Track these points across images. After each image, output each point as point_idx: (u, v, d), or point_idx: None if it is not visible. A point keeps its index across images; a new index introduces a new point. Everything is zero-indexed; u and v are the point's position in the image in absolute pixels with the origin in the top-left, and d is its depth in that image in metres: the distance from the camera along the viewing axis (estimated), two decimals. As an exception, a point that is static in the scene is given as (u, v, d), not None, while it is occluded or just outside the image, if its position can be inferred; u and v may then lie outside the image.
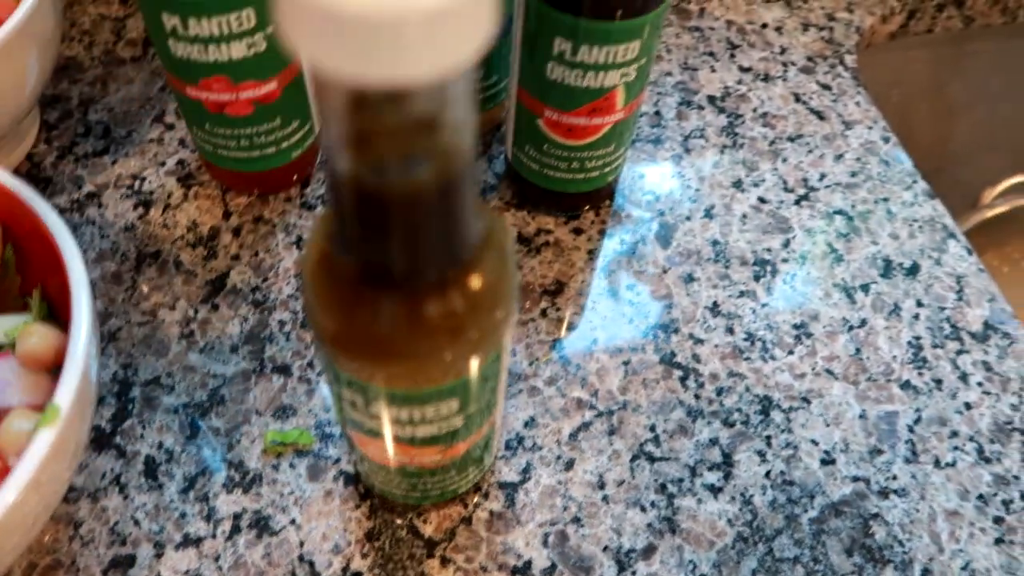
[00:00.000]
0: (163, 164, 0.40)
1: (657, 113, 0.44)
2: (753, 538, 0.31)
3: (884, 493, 0.32)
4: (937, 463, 0.33)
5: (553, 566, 0.30)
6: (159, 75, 0.43)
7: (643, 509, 0.31)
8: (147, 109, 0.42)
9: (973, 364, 0.36)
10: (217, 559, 0.29)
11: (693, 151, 0.43)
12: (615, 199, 0.40)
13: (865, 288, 0.38)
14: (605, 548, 0.30)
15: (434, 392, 0.22)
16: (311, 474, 0.32)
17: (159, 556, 0.29)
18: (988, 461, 0.33)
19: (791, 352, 0.36)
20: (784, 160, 0.43)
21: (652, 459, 0.33)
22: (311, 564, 0.29)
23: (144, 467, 0.31)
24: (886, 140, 0.44)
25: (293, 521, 0.30)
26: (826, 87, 0.46)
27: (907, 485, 0.32)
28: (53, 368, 0.27)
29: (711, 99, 0.45)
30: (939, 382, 0.35)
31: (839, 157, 0.43)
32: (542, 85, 0.33)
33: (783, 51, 0.48)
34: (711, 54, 0.47)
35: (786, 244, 0.39)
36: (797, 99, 0.45)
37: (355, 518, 0.31)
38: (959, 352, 0.36)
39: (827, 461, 0.33)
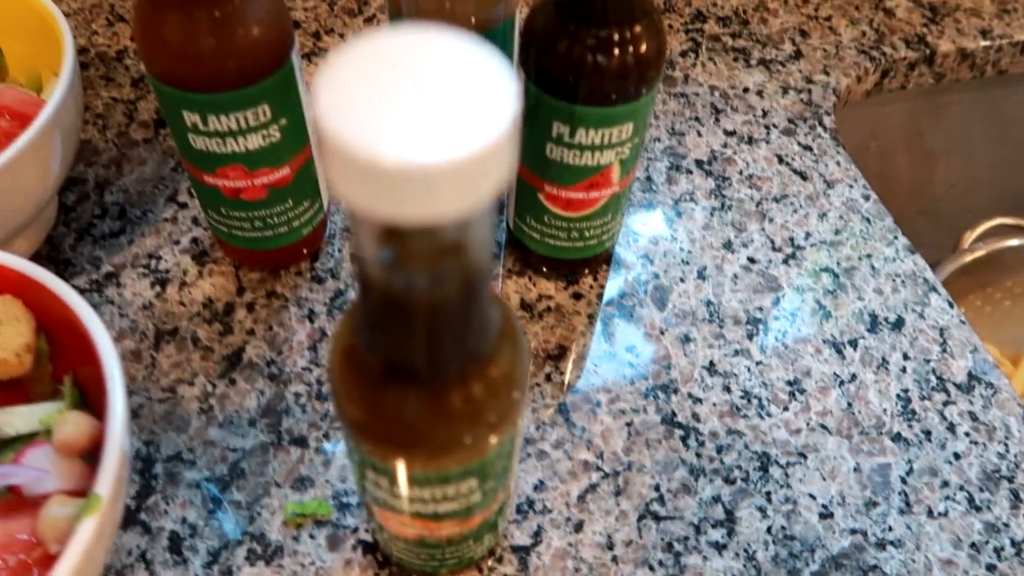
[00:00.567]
0: (177, 242, 0.42)
1: (648, 178, 0.46)
2: (758, 593, 0.32)
3: (881, 544, 0.33)
4: (930, 513, 0.34)
5: (567, 628, 0.31)
6: (171, 155, 0.45)
7: (651, 568, 0.32)
8: (161, 189, 0.44)
9: (960, 415, 0.37)
10: (243, 632, 0.30)
11: (684, 214, 0.45)
12: (612, 264, 0.42)
13: (853, 343, 0.40)
14: (617, 608, 0.31)
15: (455, 473, 0.24)
16: (331, 544, 0.33)
17: (186, 631, 0.30)
18: (979, 509, 0.35)
19: (786, 408, 0.37)
20: (771, 220, 0.45)
21: (658, 518, 0.34)
22: (334, 634, 0.30)
23: (169, 543, 0.32)
24: (866, 198, 0.46)
25: (315, 592, 0.31)
26: (807, 148, 0.48)
27: (903, 536, 0.34)
28: (87, 453, 0.28)
29: (699, 163, 0.47)
30: (928, 433, 0.37)
31: (823, 216, 0.45)
32: (542, 163, 0.35)
33: (765, 114, 0.50)
34: (697, 119, 0.49)
35: (776, 302, 0.41)
36: (780, 160, 0.48)
37: (375, 586, 0.32)
38: (946, 403, 0.38)
39: (825, 515, 0.34)
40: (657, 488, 0.35)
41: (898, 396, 0.38)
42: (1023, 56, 0.59)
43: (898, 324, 0.41)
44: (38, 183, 0.35)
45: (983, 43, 0.56)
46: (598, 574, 0.32)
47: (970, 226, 0.71)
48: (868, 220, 0.45)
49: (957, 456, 0.36)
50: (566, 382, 0.38)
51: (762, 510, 0.34)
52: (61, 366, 0.31)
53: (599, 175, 0.35)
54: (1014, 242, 0.62)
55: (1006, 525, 0.34)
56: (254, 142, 0.34)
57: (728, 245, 0.43)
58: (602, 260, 0.42)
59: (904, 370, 0.39)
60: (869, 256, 0.43)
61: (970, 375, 0.39)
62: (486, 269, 0.19)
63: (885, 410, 0.37)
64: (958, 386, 0.38)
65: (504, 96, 0.15)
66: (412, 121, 0.14)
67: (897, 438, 0.37)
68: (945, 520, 0.34)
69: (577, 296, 0.41)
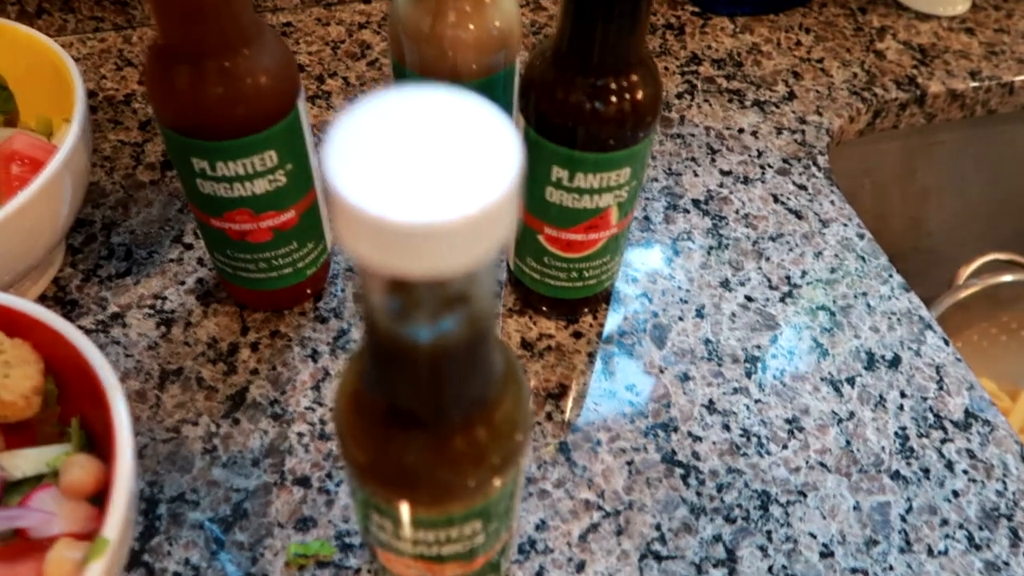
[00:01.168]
0: (183, 283, 0.42)
1: (647, 218, 0.47)
2: (760, 634, 0.32)
3: (882, 584, 0.34)
4: (930, 552, 0.35)
5: (570, 670, 0.31)
6: (177, 197, 0.46)
7: (653, 609, 0.33)
8: (167, 230, 0.44)
9: (958, 452, 0.38)
10: (245, 675, 0.30)
11: (682, 253, 0.45)
12: (612, 302, 0.43)
13: (851, 381, 0.40)
14: (619, 649, 0.31)
15: (459, 516, 0.24)
16: (333, 585, 0.33)
17: (189, 674, 0.30)
18: (979, 548, 0.35)
19: (785, 447, 0.38)
20: (767, 259, 0.45)
21: (659, 558, 0.34)
22: (336, 677, 0.30)
23: (172, 584, 0.33)
24: (861, 236, 0.47)
25: (318, 634, 0.31)
26: (802, 187, 0.49)
27: (904, 575, 0.34)
28: (94, 496, 0.28)
29: (695, 202, 0.48)
30: (927, 471, 0.37)
31: (818, 254, 0.46)
32: (542, 206, 0.36)
33: (760, 154, 0.51)
34: (693, 159, 0.50)
35: (774, 340, 0.42)
36: (776, 199, 0.48)
37: (377, 628, 0.32)
38: (943, 441, 0.38)
39: (826, 554, 0.34)
40: (658, 527, 0.35)
41: (896, 434, 0.38)
42: (1012, 96, 0.60)
43: (895, 362, 0.41)
44: (48, 226, 0.36)
45: (972, 84, 0.58)
46: (600, 615, 0.32)
47: (964, 262, 0.72)
48: (863, 258, 0.46)
49: (956, 494, 0.36)
50: (567, 420, 0.38)
51: (763, 549, 0.34)
52: (68, 408, 0.31)
53: (598, 217, 0.36)
54: (1008, 277, 0.62)
55: (1006, 564, 0.34)
56: (260, 187, 0.35)
57: (726, 283, 0.44)
58: (602, 299, 0.42)
59: (902, 408, 0.39)
60: (865, 294, 0.44)
61: (967, 412, 0.39)
62: (491, 317, 0.19)
63: (884, 448, 0.38)
64: (955, 424, 0.39)
65: (508, 154, 0.15)
66: (419, 179, 0.15)
67: (896, 476, 0.37)
68: (945, 559, 0.34)
69: (577, 335, 0.41)
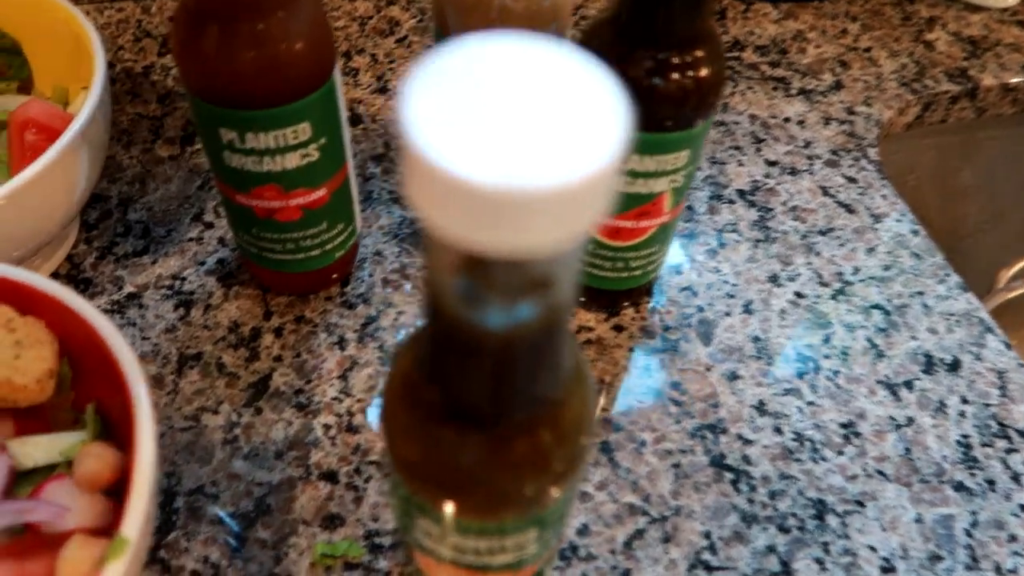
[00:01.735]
0: (203, 263, 0.40)
1: (690, 208, 0.45)
2: (819, 653, 0.30)
3: (948, 602, 0.31)
4: (998, 570, 0.32)
5: None
6: (197, 173, 0.44)
7: (704, 623, 0.30)
8: (186, 208, 0.42)
9: (1024, 463, 0.35)
10: None
11: (727, 245, 0.43)
12: (654, 295, 0.40)
13: (909, 385, 0.38)
14: (668, 667, 0.29)
15: (513, 525, 0.22)
16: (361, 589, 0.31)
17: None
18: (1050, 566, 0.32)
19: (841, 452, 0.35)
20: (817, 254, 0.43)
21: (710, 568, 0.32)
22: None
23: (189, 584, 0.30)
24: (915, 233, 0.44)
25: (345, 641, 0.29)
26: (852, 180, 0.47)
27: (971, 593, 0.32)
28: (110, 488, 0.26)
29: (741, 193, 0.46)
30: (992, 483, 0.35)
31: (871, 250, 0.43)
32: (589, 190, 0.34)
33: (807, 144, 0.49)
34: (738, 148, 0.48)
35: (826, 340, 0.39)
36: (825, 192, 0.46)
37: (409, 637, 0.29)
38: (1008, 451, 0.36)
39: (887, 569, 0.32)
40: (708, 535, 0.33)
41: (958, 442, 0.36)
42: (1066, 92, 0.57)
43: (954, 366, 0.39)
44: (63, 200, 0.34)
45: (1026, 78, 0.55)
46: (647, 628, 0.30)
47: (1004, 265, 0.69)
48: (918, 256, 0.43)
49: None
50: (609, 419, 0.36)
51: (820, 562, 0.32)
52: (83, 392, 0.29)
53: (650, 204, 0.34)
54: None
55: (1079, 584, 0.32)
56: (292, 161, 0.32)
57: (774, 278, 0.42)
58: (643, 291, 0.40)
59: (963, 415, 0.37)
60: (921, 293, 0.42)
61: (1032, 421, 0.37)
62: (570, 307, 0.17)
63: (945, 457, 0.35)
64: (1021, 433, 0.36)
65: (614, 118, 0.13)
66: (512, 140, 0.13)
67: (959, 487, 0.35)
68: (1014, 577, 0.32)
69: (618, 328, 0.39)
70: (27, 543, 0.25)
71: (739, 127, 0.49)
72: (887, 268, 0.43)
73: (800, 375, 0.38)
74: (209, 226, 0.42)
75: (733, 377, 0.38)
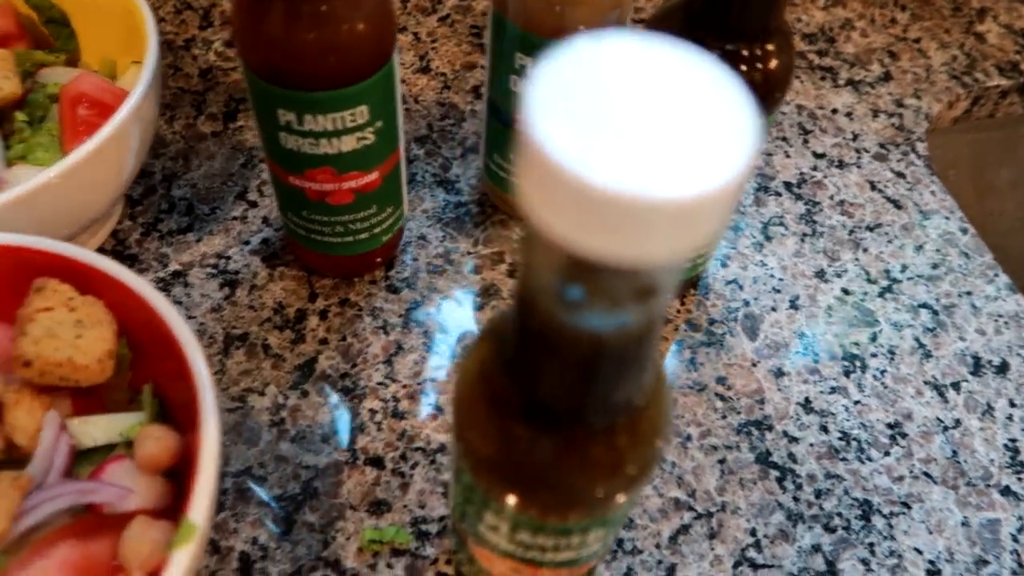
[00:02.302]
0: (247, 243, 0.40)
1: (736, 199, 0.44)
2: (865, 654, 0.30)
3: (995, 608, 0.31)
4: (1046, 576, 0.32)
5: None
6: (240, 151, 0.44)
7: (750, 621, 0.30)
8: (229, 186, 0.42)
9: (1073, 470, 0.35)
10: (317, 667, 0.29)
11: (774, 239, 0.42)
12: (699, 288, 0.40)
13: (956, 386, 0.38)
14: (714, 663, 0.29)
15: (580, 524, 0.22)
16: (409, 574, 0.31)
17: (257, 662, 0.29)
18: (1097, 575, 0.32)
19: (887, 453, 0.35)
20: (865, 250, 0.42)
21: (755, 566, 0.32)
22: (414, 674, 0.29)
23: (239, 564, 0.31)
24: (964, 231, 0.44)
25: (393, 627, 0.29)
26: (900, 175, 0.46)
27: (1017, 599, 0.32)
28: (168, 469, 0.26)
29: (787, 185, 0.45)
30: (1040, 488, 0.35)
31: (919, 248, 0.43)
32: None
33: (855, 137, 0.48)
34: (784, 139, 0.47)
35: (873, 338, 0.39)
36: (873, 187, 0.45)
37: (457, 625, 0.30)
38: (1057, 456, 0.36)
39: (933, 572, 0.32)
40: (753, 532, 0.33)
41: (1005, 446, 0.36)
42: (1118, 89, 0.56)
43: (1003, 368, 0.38)
44: (115, 176, 0.34)
45: (1078, 74, 0.54)
46: (694, 624, 0.30)
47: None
48: (966, 255, 0.43)
49: (1071, 515, 0.34)
50: (654, 413, 0.36)
51: (865, 563, 0.32)
52: (139, 373, 0.29)
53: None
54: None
55: None
56: (348, 144, 0.32)
57: (821, 274, 0.41)
58: (689, 284, 0.40)
59: (1011, 418, 0.37)
60: (969, 293, 0.41)
61: (1081, 427, 0.37)
62: (664, 314, 0.17)
63: (992, 460, 0.35)
64: (1069, 438, 0.36)
65: (743, 131, 0.13)
66: (635, 146, 0.12)
67: (1006, 492, 0.34)
68: (1061, 584, 0.32)
69: (664, 320, 0.39)
70: (89, 523, 0.25)
71: (786, 117, 0.49)
72: (935, 266, 0.42)
73: (847, 373, 0.38)
74: (253, 205, 0.41)
75: (779, 373, 0.37)
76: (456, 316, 0.38)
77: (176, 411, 0.28)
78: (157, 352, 0.27)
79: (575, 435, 0.19)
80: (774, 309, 0.40)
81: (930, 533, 0.33)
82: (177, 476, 0.27)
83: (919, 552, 0.33)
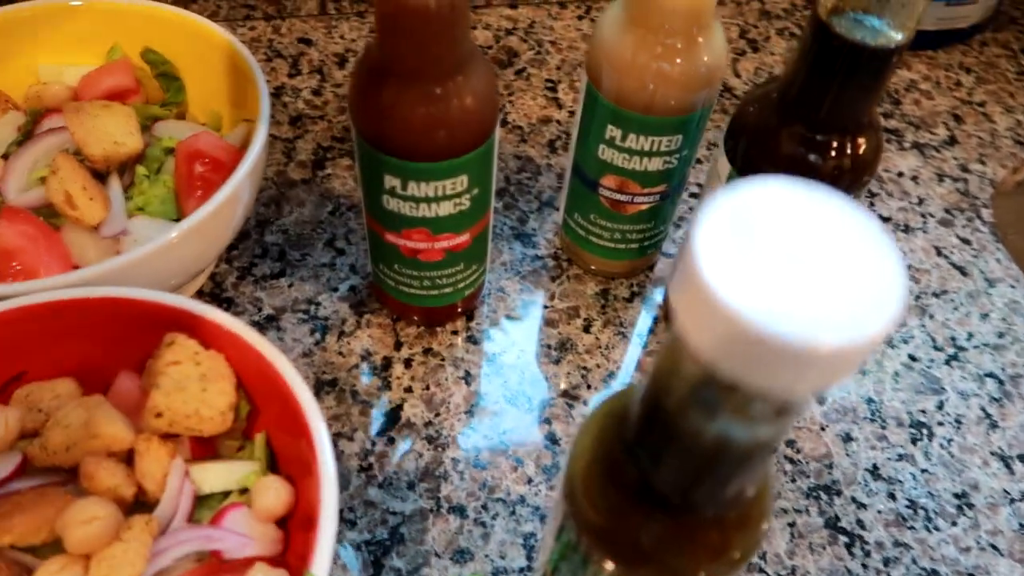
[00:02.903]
0: (336, 290, 0.42)
1: (803, 261, 0.45)
2: None
3: None
4: (1114, 656, 0.33)
5: None
6: (328, 198, 0.46)
7: None
8: (319, 233, 0.44)
9: None
10: None
11: (841, 302, 0.43)
12: (769, 349, 0.41)
13: (1022, 458, 0.38)
14: None
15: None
16: (491, 624, 0.32)
17: None
18: None
19: (954, 523, 0.36)
20: (931, 316, 0.43)
21: (825, 631, 0.33)
22: None
23: (331, 605, 0.32)
24: (1030, 300, 0.44)
25: (477, 674, 0.31)
26: (966, 241, 0.47)
27: None
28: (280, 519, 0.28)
29: (854, 248, 0.46)
30: (1107, 566, 0.35)
31: (985, 316, 0.44)
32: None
33: (921, 202, 0.49)
34: (851, 201, 0.48)
35: (940, 406, 0.40)
36: (939, 252, 0.46)
37: (537, 675, 0.31)
38: (1125, 534, 0.36)
39: (1001, 646, 0.33)
40: (823, 597, 0.34)
41: (1072, 521, 0.36)
42: None
43: (1069, 442, 0.39)
44: (227, 231, 0.36)
45: None
46: None
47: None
48: (1032, 325, 0.43)
49: None
50: (726, 473, 0.37)
51: (933, 633, 0.33)
52: (252, 423, 0.31)
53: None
54: None
55: None
56: (445, 209, 0.34)
57: (888, 340, 0.42)
58: (759, 345, 0.41)
59: (1078, 493, 0.37)
60: (1035, 364, 0.42)
61: None
62: (791, 422, 0.18)
63: (1059, 535, 0.36)
64: None
65: (893, 287, 0.14)
66: (791, 288, 0.14)
67: (1074, 568, 0.35)
68: None
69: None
70: (211, 568, 0.27)
71: (852, 179, 0.50)
72: (1001, 335, 0.43)
73: (913, 441, 0.39)
74: (341, 252, 0.43)
75: (847, 439, 0.38)
76: (533, 370, 0.40)
77: (286, 461, 0.30)
78: (270, 403, 0.29)
79: (687, 521, 0.21)
80: (842, 373, 0.41)
81: (997, 606, 0.34)
82: (285, 523, 0.29)
83: (986, 625, 0.33)
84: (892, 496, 0.37)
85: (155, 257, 0.32)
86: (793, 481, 0.37)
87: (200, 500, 0.29)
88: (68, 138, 0.37)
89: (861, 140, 0.30)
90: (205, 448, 0.30)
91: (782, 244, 0.15)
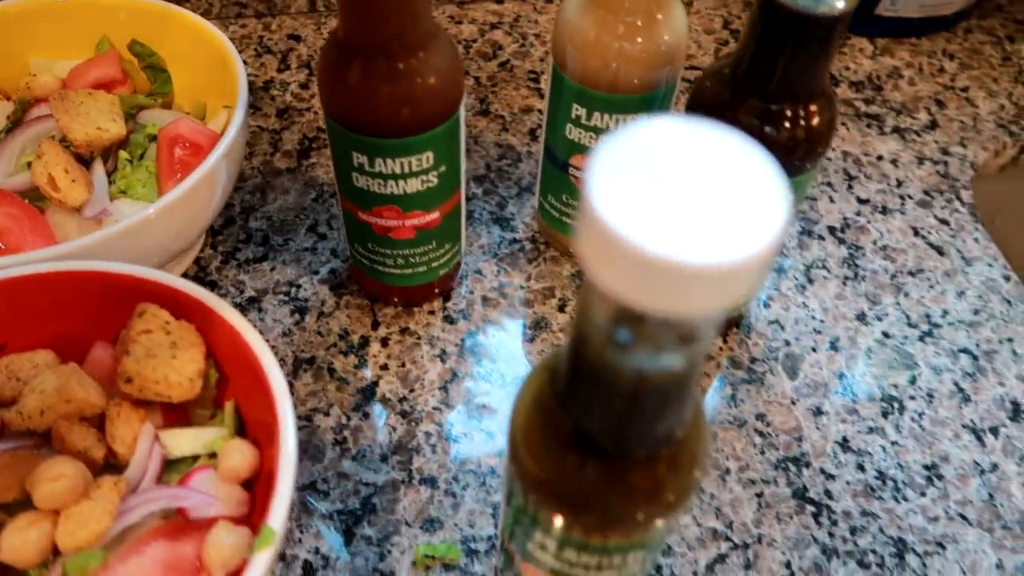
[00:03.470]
0: (316, 272, 0.43)
1: (779, 242, 0.46)
2: None
3: (1027, 650, 0.32)
4: (1080, 622, 0.33)
5: None
6: (312, 186, 0.47)
7: (783, 650, 0.32)
8: (301, 219, 0.45)
9: (1111, 518, 0.36)
10: (372, 671, 0.31)
11: (816, 281, 0.44)
12: (741, 327, 0.42)
13: (994, 431, 0.38)
14: None
15: (620, 545, 0.24)
16: (458, 590, 0.33)
17: (318, 663, 0.31)
18: None
19: (923, 494, 0.36)
20: (906, 295, 0.44)
21: (789, 597, 0.33)
22: None
23: (303, 572, 0.33)
24: (1007, 279, 0.45)
25: (443, 637, 0.32)
26: (944, 222, 0.47)
27: (1050, 644, 0.32)
28: (245, 481, 0.29)
29: (831, 230, 0.46)
30: (1077, 535, 0.35)
31: (961, 294, 0.44)
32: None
33: (900, 184, 0.49)
34: (829, 184, 0.49)
35: (912, 381, 0.40)
36: (916, 233, 0.47)
37: (502, 638, 0.32)
38: (1095, 505, 0.36)
39: (966, 612, 0.33)
40: (788, 565, 0.34)
41: (1043, 492, 0.36)
42: None
43: (1042, 415, 0.39)
44: (205, 211, 0.37)
45: None
46: (728, 650, 0.32)
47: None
48: (1008, 302, 0.44)
49: (1108, 563, 0.34)
50: (695, 446, 0.37)
51: (898, 600, 0.33)
52: (222, 391, 0.32)
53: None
54: None
55: None
56: (412, 186, 0.35)
57: (862, 317, 0.42)
58: (732, 323, 0.41)
59: (1049, 465, 0.37)
60: (1010, 340, 0.42)
61: (1121, 477, 0.37)
62: (704, 358, 0.19)
63: (1029, 506, 0.36)
64: (1108, 487, 0.37)
65: (776, 204, 0.15)
66: (682, 215, 0.15)
67: (1043, 537, 0.35)
68: (1096, 631, 0.33)
69: (707, 357, 0.40)
70: (177, 526, 0.28)
71: (831, 163, 0.50)
72: (976, 312, 0.43)
73: (885, 414, 0.39)
74: (322, 237, 0.45)
75: (818, 412, 0.39)
76: (508, 347, 0.40)
77: (254, 427, 0.30)
78: (239, 373, 0.30)
79: (619, 463, 0.21)
80: (814, 349, 0.41)
81: (964, 574, 0.34)
82: (251, 487, 0.30)
83: (952, 592, 0.33)
84: (861, 468, 0.37)
85: (133, 233, 0.33)
86: (762, 453, 0.37)
87: (170, 464, 0.30)
88: (55, 125, 0.38)
89: (813, 108, 0.31)
90: (177, 416, 0.31)
91: (672, 176, 0.15)
